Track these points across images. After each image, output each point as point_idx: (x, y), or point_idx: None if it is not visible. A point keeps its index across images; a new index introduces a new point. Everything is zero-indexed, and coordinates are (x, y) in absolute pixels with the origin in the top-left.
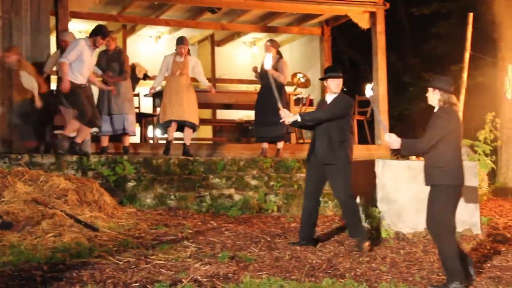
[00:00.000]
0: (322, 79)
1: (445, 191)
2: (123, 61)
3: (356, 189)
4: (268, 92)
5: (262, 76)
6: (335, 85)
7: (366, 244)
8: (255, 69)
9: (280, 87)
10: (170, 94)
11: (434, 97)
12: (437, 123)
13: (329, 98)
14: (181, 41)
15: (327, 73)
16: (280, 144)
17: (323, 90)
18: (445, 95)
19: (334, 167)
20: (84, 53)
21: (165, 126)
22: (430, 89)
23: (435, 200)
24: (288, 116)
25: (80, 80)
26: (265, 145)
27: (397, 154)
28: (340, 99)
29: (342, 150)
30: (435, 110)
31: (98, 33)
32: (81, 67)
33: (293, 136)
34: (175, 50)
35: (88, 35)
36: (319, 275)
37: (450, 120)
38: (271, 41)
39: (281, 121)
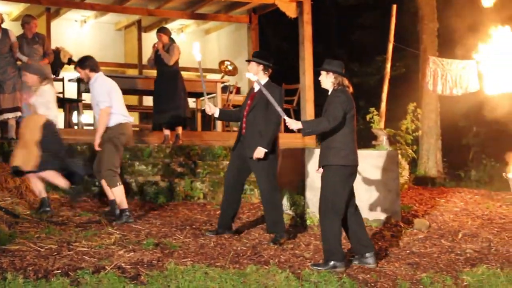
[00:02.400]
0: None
1: (336, 171)
2: (46, 43)
3: (281, 177)
4: (162, 80)
5: (157, 62)
6: (249, 68)
7: (284, 239)
8: (154, 48)
9: (176, 72)
10: None
11: (327, 81)
12: (336, 102)
13: (257, 86)
14: None
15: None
16: (179, 130)
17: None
18: (338, 78)
19: (259, 161)
20: None
21: None
22: (323, 72)
23: (326, 180)
24: (213, 109)
25: None
26: (167, 132)
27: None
28: (279, 92)
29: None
30: (330, 92)
31: None
32: None
33: (219, 124)
34: None
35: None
36: (244, 262)
37: (347, 101)
38: (161, 29)
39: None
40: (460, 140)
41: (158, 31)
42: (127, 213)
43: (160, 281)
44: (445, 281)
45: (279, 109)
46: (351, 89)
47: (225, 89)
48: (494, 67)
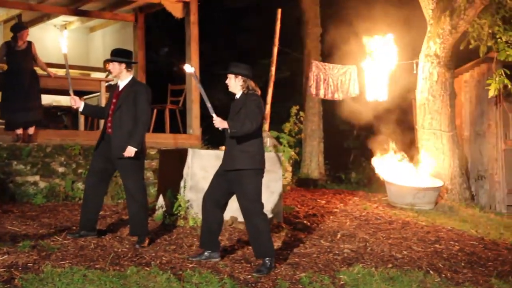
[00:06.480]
0: (107, 61)
1: (255, 175)
2: None
3: (165, 177)
4: (20, 77)
5: (14, 59)
6: (111, 68)
7: (147, 241)
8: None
9: (34, 71)
10: None
11: (236, 84)
12: (254, 105)
13: (121, 83)
14: None
15: (111, 56)
16: (32, 130)
17: (136, 77)
18: (247, 81)
19: (127, 161)
20: None
21: None
22: (231, 76)
23: (247, 184)
24: (77, 103)
25: None
26: (20, 131)
27: (229, 134)
28: (145, 90)
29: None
30: (239, 96)
31: None
32: None
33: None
34: None
35: None
36: (124, 264)
37: (262, 105)
38: (25, 27)
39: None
40: (342, 143)
41: (24, 29)
42: None
43: (35, 284)
44: (323, 281)
45: (209, 105)
46: (259, 92)
47: (109, 88)
48: (373, 74)
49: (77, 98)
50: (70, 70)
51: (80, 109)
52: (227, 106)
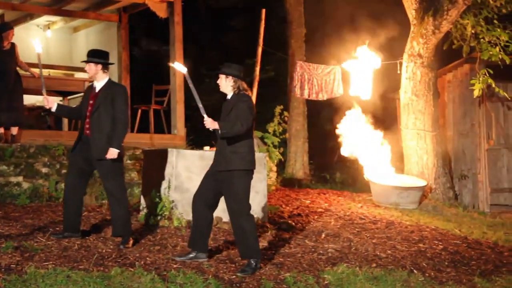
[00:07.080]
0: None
1: (245, 175)
2: None
3: (149, 178)
4: (5, 78)
5: (0, 61)
6: (87, 69)
7: (131, 242)
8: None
9: (17, 72)
10: None
11: (227, 84)
12: (245, 107)
13: (97, 85)
14: None
15: (88, 57)
16: (15, 130)
17: (120, 77)
18: (238, 82)
19: (107, 162)
20: None
21: None
22: (222, 76)
23: (236, 184)
24: (50, 103)
25: None
26: (1, 130)
27: (216, 134)
28: (123, 91)
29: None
30: (230, 96)
31: None
32: None
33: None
34: None
35: None
36: (108, 264)
37: (253, 106)
38: (12, 27)
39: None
40: (326, 143)
41: (9, 29)
42: None
43: (18, 285)
44: (307, 280)
45: (200, 105)
46: (250, 93)
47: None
48: (357, 74)
49: (50, 98)
50: (53, 70)
51: (53, 109)
52: (211, 106)
